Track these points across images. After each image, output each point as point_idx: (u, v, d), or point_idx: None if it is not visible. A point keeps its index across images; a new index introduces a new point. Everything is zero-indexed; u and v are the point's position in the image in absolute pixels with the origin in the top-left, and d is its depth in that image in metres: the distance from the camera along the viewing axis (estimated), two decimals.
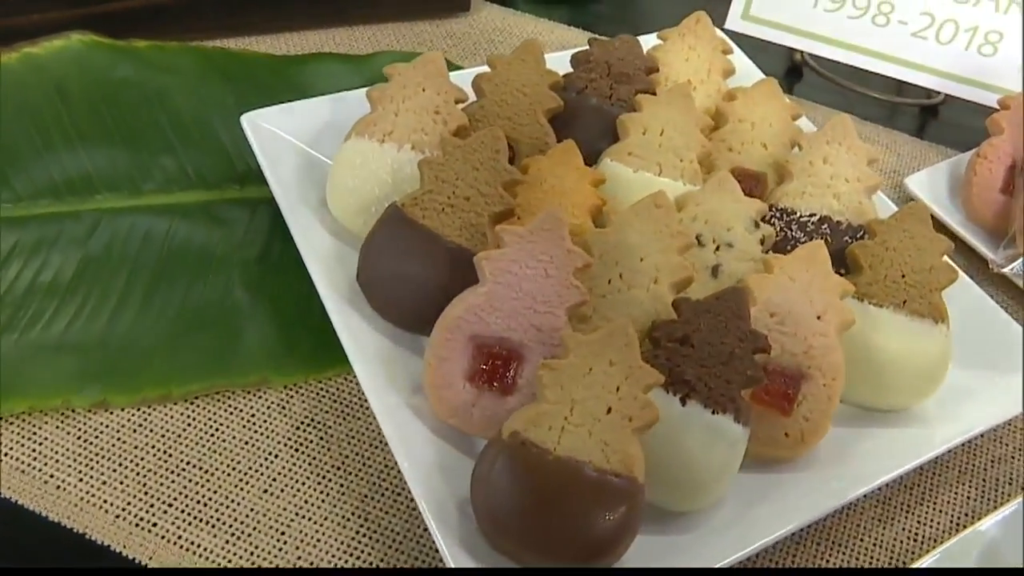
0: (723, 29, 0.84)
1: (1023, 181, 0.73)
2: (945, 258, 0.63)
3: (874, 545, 0.59)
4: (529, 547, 0.50)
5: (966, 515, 0.61)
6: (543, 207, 0.61)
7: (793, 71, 0.94)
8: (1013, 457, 0.64)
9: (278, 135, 0.68)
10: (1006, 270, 0.72)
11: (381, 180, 0.63)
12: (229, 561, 0.53)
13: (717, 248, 0.62)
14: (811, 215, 0.65)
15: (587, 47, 0.73)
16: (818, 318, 0.58)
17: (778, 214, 0.66)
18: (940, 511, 0.61)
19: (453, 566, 0.49)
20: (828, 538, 0.58)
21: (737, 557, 0.53)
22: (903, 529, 0.60)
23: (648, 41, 0.77)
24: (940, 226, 0.76)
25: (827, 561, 0.57)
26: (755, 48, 0.85)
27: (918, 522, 0.60)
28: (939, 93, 0.88)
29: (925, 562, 0.54)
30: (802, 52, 0.91)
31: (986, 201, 0.75)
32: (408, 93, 0.65)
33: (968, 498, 0.62)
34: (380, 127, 0.64)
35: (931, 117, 0.92)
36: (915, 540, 0.59)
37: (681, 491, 0.54)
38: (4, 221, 0.64)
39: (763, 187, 0.68)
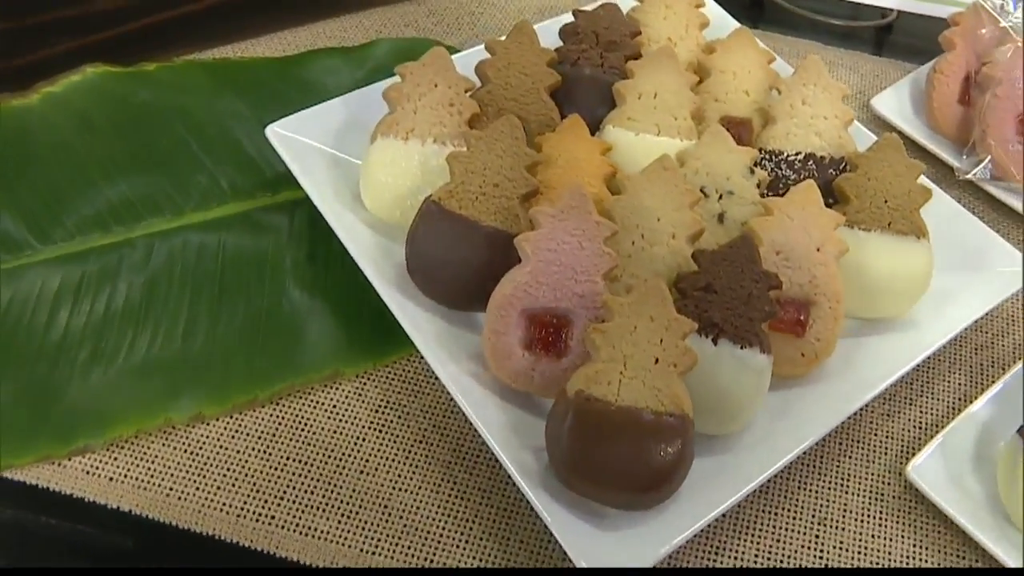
0: None
1: (978, 92, 0.82)
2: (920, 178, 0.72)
3: (887, 437, 0.69)
4: (606, 485, 0.58)
5: (959, 399, 0.71)
6: (562, 182, 0.69)
7: (755, 5, 1.01)
8: (993, 343, 0.75)
9: (302, 141, 0.74)
10: (970, 175, 0.81)
11: (411, 174, 0.70)
12: (344, 538, 0.61)
13: (720, 197, 0.70)
14: (797, 153, 0.73)
15: (568, 14, 0.80)
16: (817, 250, 0.67)
17: (767, 156, 0.74)
18: (937, 399, 0.71)
19: (541, 508, 0.58)
20: (848, 438, 0.68)
21: (781, 464, 0.62)
22: (908, 420, 0.70)
23: (624, 2, 0.83)
24: (907, 140, 0.85)
25: (849, 456, 0.67)
26: None
27: (920, 412, 0.70)
28: (892, 11, 0.96)
29: (930, 447, 0.65)
30: None
31: (947, 114, 0.84)
32: (423, 91, 0.71)
33: (960, 384, 0.72)
34: (403, 125, 0.71)
35: (886, 35, 1.00)
36: (919, 428, 0.69)
37: (721, 417, 0.63)
38: (65, 258, 0.70)
39: (750, 131, 0.76)
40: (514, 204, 0.67)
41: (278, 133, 0.74)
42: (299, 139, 0.74)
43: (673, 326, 0.60)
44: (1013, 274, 0.73)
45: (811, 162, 0.73)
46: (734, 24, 0.85)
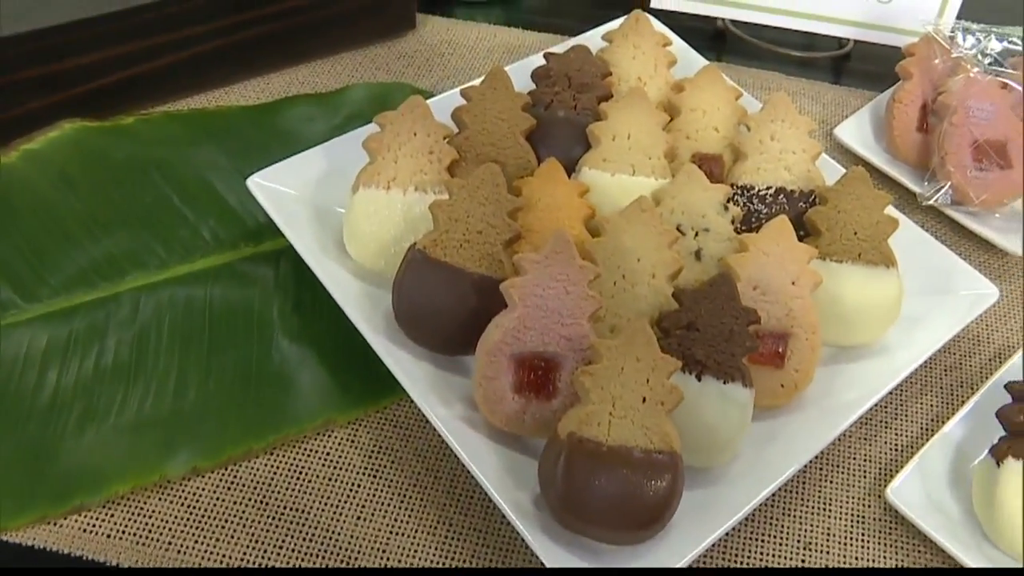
0: (650, 9, 0.93)
1: (936, 120, 0.85)
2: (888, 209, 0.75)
3: (865, 461, 0.72)
4: (599, 523, 0.60)
5: (933, 420, 0.74)
6: (543, 226, 0.71)
7: (718, 37, 1.04)
8: (961, 363, 0.78)
9: (283, 191, 0.75)
10: (932, 201, 0.85)
11: (394, 223, 0.72)
12: None
13: (696, 234, 0.72)
14: (768, 188, 0.76)
15: (538, 55, 0.83)
16: (793, 283, 0.69)
17: (739, 191, 0.76)
18: (912, 421, 0.74)
19: (538, 549, 0.60)
20: (828, 463, 0.71)
21: (766, 494, 0.64)
22: (885, 442, 0.73)
23: (590, 38, 0.86)
24: (870, 167, 0.88)
25: (830, 481, 0.70)
26: (682, 20, 0.95)
27: (896, 434, 0.73)
28: (848, 41, 1.00)
29: (907, 469, 0.68)
30: (723, 19, 1.02)
31: (907, 141, 0.87)
32: (402, 140, 0.73)
33: (932, 405, 0.75)
34: (384, 175, 0.72)
35: (844, 63, 1.04)
36: (896, 450, 0.72)
37: (708, 451, 0.65)
38: (52, 316, 0.71)
39: (721, 167, 0.79)
40: (498, 250, 0.68)
41: (259, 184, 0.75)
42: (280, 189, 0.76)
43: (659, 365, 0.62)
44: (977, 296, 0.77)
45: (781, 196, 0.76)
46: (700, 60, 0.88)
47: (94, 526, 0.63)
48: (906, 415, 0.74)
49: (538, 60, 0.83)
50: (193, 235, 0.77)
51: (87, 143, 0.79)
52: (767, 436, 0.68)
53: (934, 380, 0.77)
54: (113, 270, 0.74)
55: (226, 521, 0.64)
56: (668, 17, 0.93)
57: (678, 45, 0.89)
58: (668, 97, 0.82)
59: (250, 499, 0.66)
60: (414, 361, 0.69)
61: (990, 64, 0.85)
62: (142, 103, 0.84)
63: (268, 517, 0.65)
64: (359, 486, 0.67)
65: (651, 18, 0.86)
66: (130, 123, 0.81)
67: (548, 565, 0.60)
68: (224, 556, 0.63)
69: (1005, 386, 0.68)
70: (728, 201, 0.74)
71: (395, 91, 0.88)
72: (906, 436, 0.73)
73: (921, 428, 0.74)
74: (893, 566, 0.66)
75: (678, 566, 0.61)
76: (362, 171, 0.73)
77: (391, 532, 0.65)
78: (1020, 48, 0.86)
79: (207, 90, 0.88)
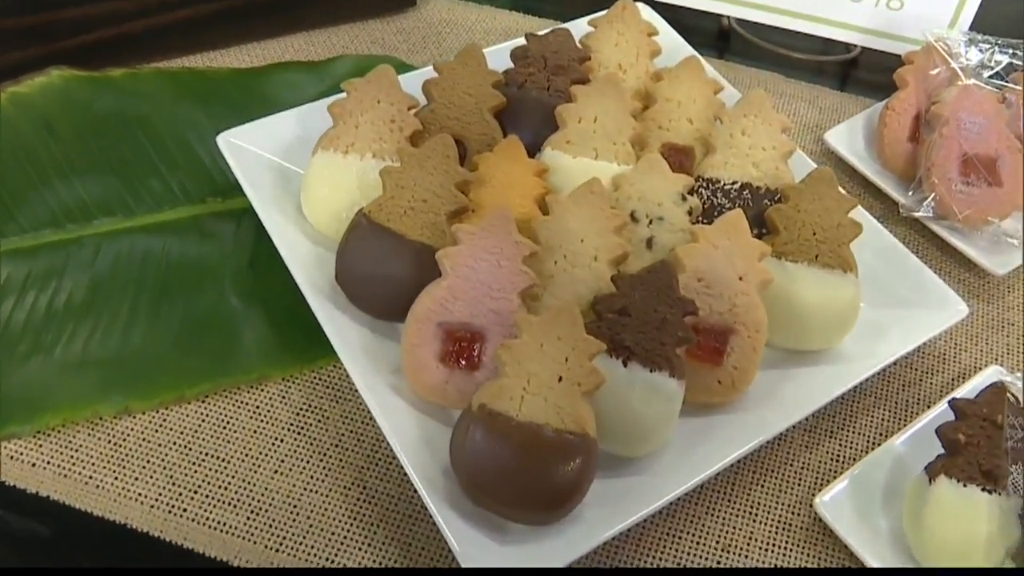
0: (654, 1, 0.92)
1: (927, 130, 0.82)
2: (859, 210, 0.72)
3: (803, 468, 0.69)
4: (503, 500, 0.60)
5: (881, 435, 0.71)
6: (493, 201, 0.71)
7: (722, 36, 1.02)
8: (922, 380, 0.75)
9: (251, 151, 0.77)
10: (913, 213, 0.82)
11: (349, 188, 0.72)
12: (251, 535, 0.63)
13: (650, 222, 0.71)
14: (733, 183, 0.75)
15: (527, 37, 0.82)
16: (740, 279, 0.67)
17: (704, 184, 0.75)
18: (859, 434, 0.71)
19: (441, 521, 0.60)
20: (763, 467, 0.69)
21: (684, 489, 0.63)
22: (827, 452, 0.70)
23: (579, 26, 0.86)
24: (856, 175, 0.86)
25: (761, 486, 0.68)
26: (687, 16, 0.94)
27: (840, 445, 0.71)
28: (855, 47, 0.97)
29: (840, 481, 0.65)
30: (728, 17, 1.00)
31: (897, 151, 0.84)
32: (365, 107, 0.73)
33: (883, 420, 0.72)
34: (343, 140, 0.73)
35: (852, 70, 1.01)
36: (837, 461, 0.70)
37: (630, 439, 0.64)
38: (15, 253, 0.73)
39: (691, 159, 0.77)
40: (441, 220, 0.68)
41: (229, 142, 0.76)
42: (249, 148, 0.77)
43: (580, 346, 0.61)
44: (944, 313, 0.74)
45: (747, 192, 0.74)
46: (691, 52, 0.86)
47: (21, 454, 0.65)
48: (854, 427, 0.72)
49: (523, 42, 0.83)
50: (164, 188, 0.79)
51: (73, 92, 0.81)
52: (699, 432, 0.67)
53: (891, 395, 0.74)
54: (81, 215, 0.76)
55: (148, 462, 0.66)
56: (673, 12, 0.92)
57: (670, 38, 0.88)
58: (646, 86, 0.81)
59: (175, 443, 0.67)
60: (353, 325, 0.69)
61: (990, 77, 0.82)
62: (137, 60, 0.86)
63: (189, 462, 0.66)
64: (282, 441, 0.67)
65: (642, 7, 0.85)
66: (118, 76, 0.83)
67: (450, 538, 0.59)
68: (140, 495, 0.64)
69: (949, 403, 0.65)
70: (691, 193, 0.73)
71: (384, 63, 0.88)
72: (850, 448, 0.71)
73: (868, 442, 0.71)
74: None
75: (585, 551, 0.60)
76: (323, 135, 0.74)
77: (305, 489, 0.65)
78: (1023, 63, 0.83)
79: (203, 51, 0.90)
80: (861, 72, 1.00)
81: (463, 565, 0.58)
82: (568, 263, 0.68)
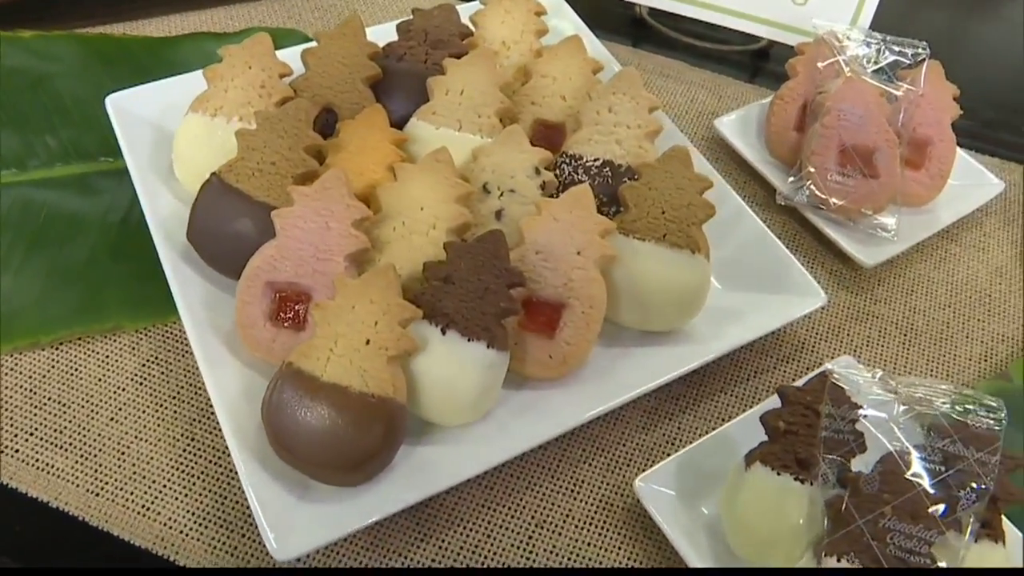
0: None
1: (811, 119, 0.74)
2: (729, 193, 0.65)
3: (635, 449, 0.63)
4: (306, 458, 0.55)
5: (722, 420, 0.64)
6: (347, 167, 0.65)
7: (637, 25, 0.95)
8: (775, 368, 0.68)
9: (137, 113, 0.72)
10: (789, 200, 0.74)
11: (215, 150, 0.67)
12: (76, 478, 0.59)
13: (501, 194, 0.65)
14: (595, 160, 0.68)
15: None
16: (578, 253, 0.61)
17: (567, 160, 0.68)
18: (700, 418, 0.65)
19: (244, 474, 0.55)
20: (594, 445, 0.63)
21: (499, 460, 0.57)
22: (663, 435, 0.64)
23: (475, 5, 0.80)
24: (741, 161, 0.79)
25: (588, 463, 0.62)
26: (603, 5, 0.87)
27: (678, 428, 0.64)
28: (763, 39, 0.89)
29: (664, 463, 0.59)
30: (640, 7, 0.93)
31: (782, 139, 0.77)
32: (236, 72, 0.69)
33: (727, 406, 0.65)
34: (212, 103, 0.68)
35: (763, 63, 0.92)
36: (672, 444, 0.63)
37: (446, 407, 0.58)
38: None
39: (562, 136, 0.71)
40: (288, 182, 0.63)
41: (116, 103, 0.73)
42: (136, 111, 0.73)
43: (392, 311, 0.56)
44: (802, 300, 0.66)
45: (607, 169, 0.68)
46: (592, 39, 0.79)
47: None
48: (696, 411, 0.65)
49: None
50: (59, 145, 0.75)
51: None
52: (526, 405, 0.61)
53: (741, 381, 0.67)
54: None
55: None
56: (587, 1, 0.86)
57: (570, 20, 0.81)
58: (528, 63, 0.74)
59: (21, 387, 0.63)
60: (202, 282, 0.64)
61: (875, 72, 0.74)
62: (55, 24, 0.82)
63: (31, 406, 0.62)
64: (124, 390, 0.63)
65: None
66: (28, 37, 0.79)
67: (249, 491, 0.54)
68: None
69: (776, 389, 0.58)
70: (553, 168, 0.67)
71: (287, 36, 0.84)
72: (689, 432, 0.64)
73: (708, 427, 0.64)
74: (624, 558, 0.58)
75: (384, 515, 0.55)
76: (196, 98, 0.69)
77: (136, 437, 0.61)
78: (910, 61, 0.74)
79: (124, 20, 0.86)
80: (773, 65, 0.91)
81: (263, 518, 0.53)
82: (407, 230, 0.62)
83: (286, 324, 0.60)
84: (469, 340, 0.57)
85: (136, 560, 0.56)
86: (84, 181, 0.73)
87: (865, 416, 0.55)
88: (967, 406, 0.55)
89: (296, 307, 0.60)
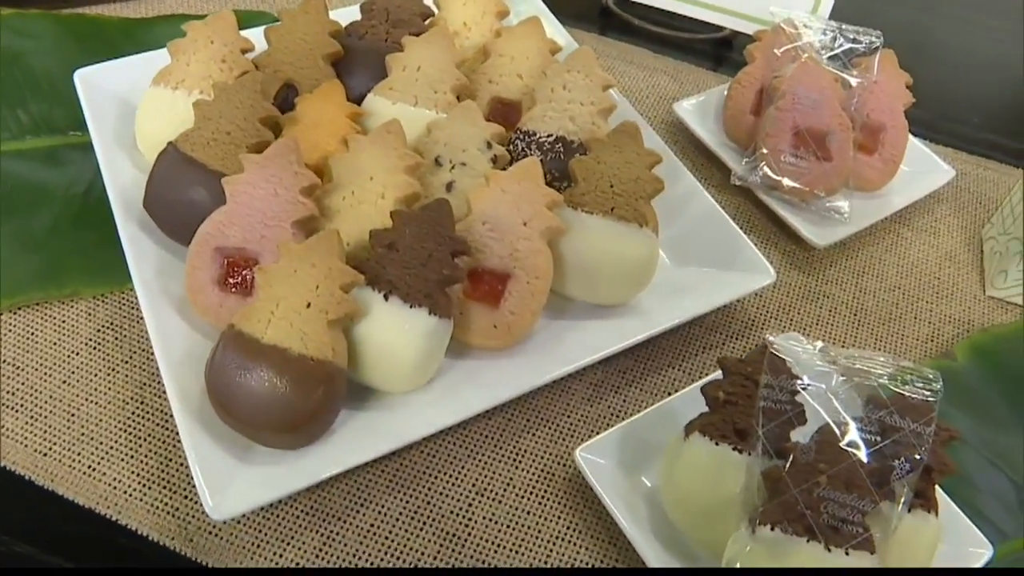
0: None
1: (767, 103, 0.73)
2: (681, 171, 0.64)
3: (579, 421, 0.61)
4: (245, 420, 0.54)
5: (668, 395, 0.63)
6: (302, 139, 0.64)
7: (604, 14, 0.93)
8: (724, 344, 0.66)
9: (105, 89, 0.72)
10: (742, 181, 0.73)
11: (175, 122, 0.67)
12: (25, 438, 0.58)
13: (452, 167, 0.64)
14: (549, 135, 0.67)
15: None
16: (524, 224, 0.60)
17: (521, 136, 0.67)
18: (646, 391, 0.63)
19: (185, 436, 0.54)
20: (538, 415, 0.61)
21: (438, 427, 0.56)
22: (607, 407, 0.62)
23: None
24: (699, 144, 0.77)
25: (531, 434, 0.60)
26: None
27: (623, 401, 0.63)
28: (725, 29, 0.88)
29: (606, 434, 0.57)
30: None
31: (739, 122, 0.75)
32: (199, 46, 0.68)
33: (674, 380, 0.64)
34: (174, 76, 0.68)
35: (727, 52, 0.91)
36: (617, 416, 0.62)
37: (389, 374, 0.57)
38: None
39: (518, 113, 0.70)
40: (243, 152, 0.62)
41: (84, 78, 0.72)
42: (104, 86, 0.72)
43: (334, 275, 0.55)
44: (751, 277, 0.65)
45: (560, 145, 0.67)
46: (556, 23, 0.78)
47: None
48: (642, 385, 0.64)
49: None
50: (29, 119, 0.74)
51: None
52: (469, 374, 0.60)
53: (689, 356, 0.66)
54: None
55: None
56: None
57: (533, 6, 0.80)
58: (488, 43, 0.73)
59: None
60: (157, 250, 0.64)
61: (830, 59, 0.73)
62: (37, 4, 0.82)
63: None
64: (78, 354, 0.62)
65: None
66: (6, 15, 0.79)
67: (190, 451, 0.53)
68: None
69: (718, 360, 0.56)
70: (507, 144, 0.66)
71: (258, 18, 0.83)
72: (634, 405, 0.63)
73: (654, 400, 0.63)
74: (563, 528, 0.56)
75: (321, 477, 0.54)
76: (159, 71, 0.68)
77: (85, 400, 0.60)
78: (864, 50, 0.73)
79: (103, 1, 0.86)
80: (735, 54, 0.90)
81: (201, 478, 0.52)
82: (356, 199, 0.61)
83: (234, 289, 0.59)
84: (411, 306, 0.56)
85: (80, 521, 0.55)
86: (52, 154, 0.72)
87: (805, 387, 0.54)
88: (905, 378, 0.53)
89: (244, 272, 0.59)
